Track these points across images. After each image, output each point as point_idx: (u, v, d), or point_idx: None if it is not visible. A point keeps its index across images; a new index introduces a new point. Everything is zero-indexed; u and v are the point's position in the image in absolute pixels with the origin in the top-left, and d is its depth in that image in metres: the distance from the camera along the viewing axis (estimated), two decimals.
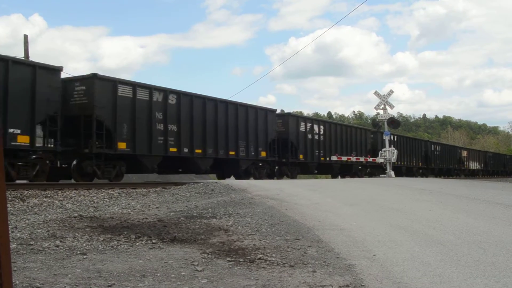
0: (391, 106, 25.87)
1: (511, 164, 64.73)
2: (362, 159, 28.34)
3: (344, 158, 26.41)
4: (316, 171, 26.55)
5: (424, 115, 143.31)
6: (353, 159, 27.44)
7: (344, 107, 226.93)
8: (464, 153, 47.19)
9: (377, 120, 26.77)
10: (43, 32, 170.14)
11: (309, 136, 23.97)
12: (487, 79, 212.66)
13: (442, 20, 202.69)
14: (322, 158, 25.00)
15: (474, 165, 48.94)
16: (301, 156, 23.29)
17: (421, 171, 37.13)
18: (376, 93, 25.93)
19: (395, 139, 31.46)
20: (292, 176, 22.98)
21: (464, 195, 10.59)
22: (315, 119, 25.98)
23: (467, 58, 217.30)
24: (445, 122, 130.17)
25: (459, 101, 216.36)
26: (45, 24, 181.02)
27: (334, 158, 25.73)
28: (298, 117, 24.11)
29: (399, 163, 31.20)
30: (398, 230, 5.96)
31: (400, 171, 32.82)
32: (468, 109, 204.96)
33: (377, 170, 30.01)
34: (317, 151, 24.60)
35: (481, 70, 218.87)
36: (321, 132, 25.01)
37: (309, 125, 24.09)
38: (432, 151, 38.87)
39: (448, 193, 11.04)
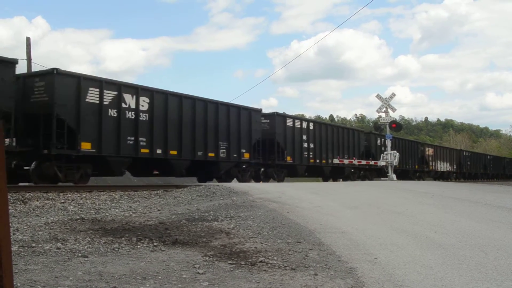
0: (393, 109, 25.86)
1: (494, 166, 55.09)
2: (239, 155, 18.92)
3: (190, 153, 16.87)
4: (156, 172, 17.65)
5: (426, 118, 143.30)
6: (213, 153, 17.94)
7: (346, 110, 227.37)
8: (429, 151, 37.88)
9: (379, 123, 26.73)
10: (46, 35, 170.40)
11: (112, 112, 14.31)
12: (489, 83, 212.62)
13: (444, 23, 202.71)
14: (144, 151, 15.13)
15: (443, 166, 40.14)
16: (85, 146, 13.55)
17: (362, 172, 28.64)
18: (378, 96, 25.93)
19: (311, 127, 23.69)
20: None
21: (466, 198, 10.57)
22: (126, 85, 15.07)
23: (469, 61, 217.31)
24: (447, 125, 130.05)
25: (461, 104, 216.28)
26: (48, 26, 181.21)
27: (158, 151, 15.79)
28: (79, 78, 13.65)
29: (318, 161, 24.03)
30: (400, 233, 5.96)
31: (321, 172, 25.14)
32: (470, 113, 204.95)
33: (267, 171, 21.13)
34: (131, 139, 14.82)
35: (483, 73, 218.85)
36: (143, 108, 15.21)
37: (111, 93, 14.35)
38: (378, 147, 29.88)
39: (449, 196, 11.03)
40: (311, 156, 23.54)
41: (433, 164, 38.16)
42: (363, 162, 27.74)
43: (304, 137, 23.09)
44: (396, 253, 4.78)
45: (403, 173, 31.79)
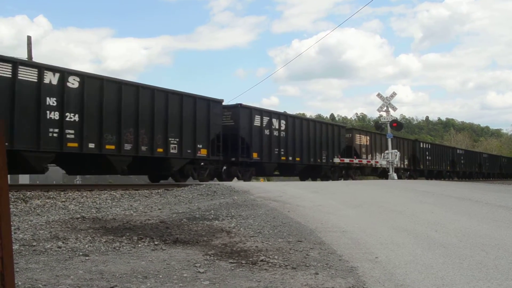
0: (394, 108, 25.83)
1: (467, 162, 44.00)
2: None
3: None
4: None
5: (427, 117, 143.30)
6: None
7: (347, 109, 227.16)
8: (361, 139, 27.86)
9: (380, 122, 26.69)
10: (48, 34, 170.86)
11: None
12: (490, 82, 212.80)
13: (445, 22, 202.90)
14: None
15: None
16: None
17: (225, 167, 19.26)
18: (379, 95, 25.88)
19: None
20: None
21: (467, 197, 10.56)
22: None
23: (471, 60, 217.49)
24: (448, 125, 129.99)
25: (462, 103, 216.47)
26: (49, 25, 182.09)
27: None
28: None
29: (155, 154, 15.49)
30: (401, 232, 5.95)
31: (162, 168, 16.36)
32: (471, 112, 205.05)
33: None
34: None
35: (485, 72, 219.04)
36: None
37: None
38: (258, 132, 19.75)
39: (450, 195, 11.02)
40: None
41: (370, 157, 28.44)
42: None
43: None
44: (397, 252, 4.78)
45: (314, 170, 24.19)
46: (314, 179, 24.37)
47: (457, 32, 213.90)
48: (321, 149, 24.18)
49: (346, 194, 11.11)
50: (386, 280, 3.76)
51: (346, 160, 25.87)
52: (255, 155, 19.69)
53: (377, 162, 28.50)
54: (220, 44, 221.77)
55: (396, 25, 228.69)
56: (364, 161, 27.63)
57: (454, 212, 7.90)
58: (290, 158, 21.86)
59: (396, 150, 26.17)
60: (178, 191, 11.08)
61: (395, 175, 24.92)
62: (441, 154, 38.78)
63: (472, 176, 44.60)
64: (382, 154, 26.55)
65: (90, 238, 5.48)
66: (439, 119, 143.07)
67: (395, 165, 25.57)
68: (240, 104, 19.19)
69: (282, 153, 21.31)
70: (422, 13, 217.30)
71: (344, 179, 25.42)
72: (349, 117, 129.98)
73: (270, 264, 4.29)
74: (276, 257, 4.57)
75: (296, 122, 22.71)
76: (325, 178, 24.41)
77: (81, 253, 4.68)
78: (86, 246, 5.05)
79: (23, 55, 21.23)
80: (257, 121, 19.93)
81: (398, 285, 3.64)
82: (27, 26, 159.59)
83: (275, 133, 20.97)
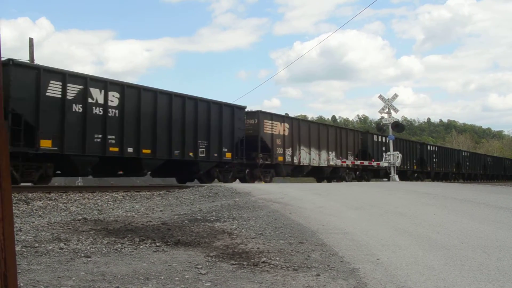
0: (396, 110, 25.82)
1: (441, 160, 37.23)
2: None
3: None
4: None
5: (429, 119, 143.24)
6: None
7: (348, 110, 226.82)
8: (275, 128, 20.85)
9: (381, 124, 26.67)
10: (50, 36, 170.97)
11: None
12: (492, 83, 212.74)
13: (447, 24, 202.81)
14: None
15: (317, 158, 23.50)
16: None
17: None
18: (380, 97, 25.89)
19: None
20: None
21: (468, 199, 10.56)
22: None
23: (472, 62, 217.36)
24: (449, 126, 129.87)
25: (464, 105, 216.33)
26: (52, 27, 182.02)
27: None
28: None
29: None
30: (402, 234, 5.95)
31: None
32: (473, 113, 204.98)
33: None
34: None
35: (486, 74, 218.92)
36: None
37: None
38: (56, 107, 12.97)
39: (452, 197, 11.01)
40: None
41: (290, 152, 21.72)
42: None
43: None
44: (399, 254, 4.78)
45: (184, 168, 17.44)
46: (200, 180, 17.99)
47: (458, 34, 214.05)
48: (196, 139, 17.13)
49: (347, 196, 11.11)
50: (387, 282, 3.76)
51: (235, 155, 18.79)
52: (45, 143, 12.80)
53: (300, 159, 22.35)
54: (221, 46, 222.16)
55: (397, 27, 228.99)
56: (283, 157, 21.15)
57: (455, 214, 7.90)
58: (130, 150, 14.85)
59: (397, 152, 26.13)
60: (179, 193, 11.09)
61: (396, 177, 24.91)
62: (405, 151, 30.83)
63: (447, 178, 38.29)
64: (384, 155, 26.46)
65: (91, 239, 5.49)
66: (440, 120, 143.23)
67: (397, 166, 25.52)
68: (12, 61, 12.28)
69: (112, 142, 14.37)
70: (423, 15, 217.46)
71: (250, 181, 19.59)
72: (350, 119, 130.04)
73: (271, 265, 4.29)
74: (277, 258, 4.57)
75: (143, 96, 15.38)
76: (208, 179, 18.09)
77: (83, 255, 4.69)
78: (88, 247, 5.05)
79: (25, 57, 21.28)
80: (53, 90, 13.03)
81: (400, 286, 3.64)
82: (30, 28, 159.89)
83: (97, 110, 14.02)
